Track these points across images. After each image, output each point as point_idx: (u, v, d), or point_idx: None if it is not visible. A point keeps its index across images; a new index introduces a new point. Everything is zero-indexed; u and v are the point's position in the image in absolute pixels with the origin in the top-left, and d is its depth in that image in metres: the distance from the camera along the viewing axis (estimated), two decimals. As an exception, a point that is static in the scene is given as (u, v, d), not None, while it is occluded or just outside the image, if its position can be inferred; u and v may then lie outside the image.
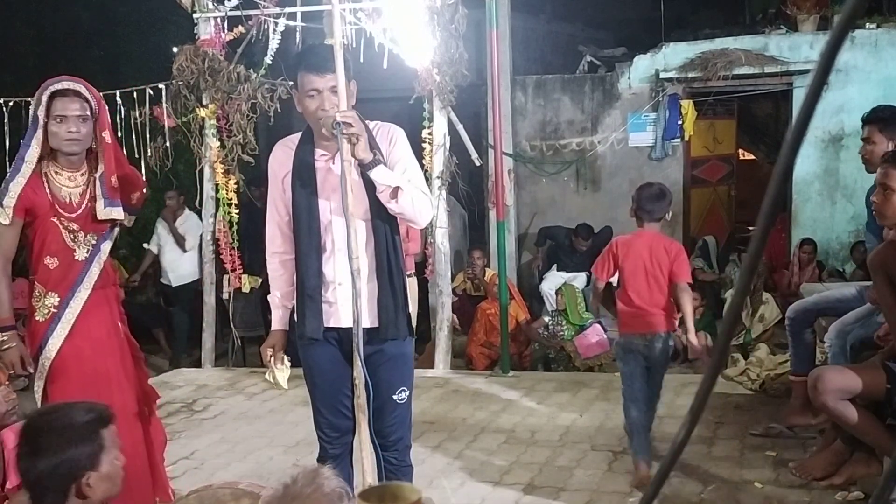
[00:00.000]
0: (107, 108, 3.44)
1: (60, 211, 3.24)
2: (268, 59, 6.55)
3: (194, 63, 6.49)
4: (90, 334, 3.32)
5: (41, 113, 3.17)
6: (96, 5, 9.37)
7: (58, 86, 3.19)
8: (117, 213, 3.36)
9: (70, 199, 3.26)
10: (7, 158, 6.84)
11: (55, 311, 3.26)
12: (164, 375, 6.71)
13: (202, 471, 4.43)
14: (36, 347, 3.25)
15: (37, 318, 3.26)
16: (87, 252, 3.30)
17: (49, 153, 3.22)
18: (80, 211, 3.28)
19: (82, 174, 3.29)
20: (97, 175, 3.31)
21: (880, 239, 3.74)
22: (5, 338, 3.20)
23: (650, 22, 10.04)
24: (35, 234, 3.25)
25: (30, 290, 3.30)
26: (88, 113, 3.22)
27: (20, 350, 3.20)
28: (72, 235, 3.26)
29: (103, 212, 3.32)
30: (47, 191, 3.22)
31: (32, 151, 3.18)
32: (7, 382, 3.11)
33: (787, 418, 4.51)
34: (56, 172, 3.24)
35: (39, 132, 3.18)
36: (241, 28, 6.57)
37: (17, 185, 3.17)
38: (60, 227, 3.25)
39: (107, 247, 3.40)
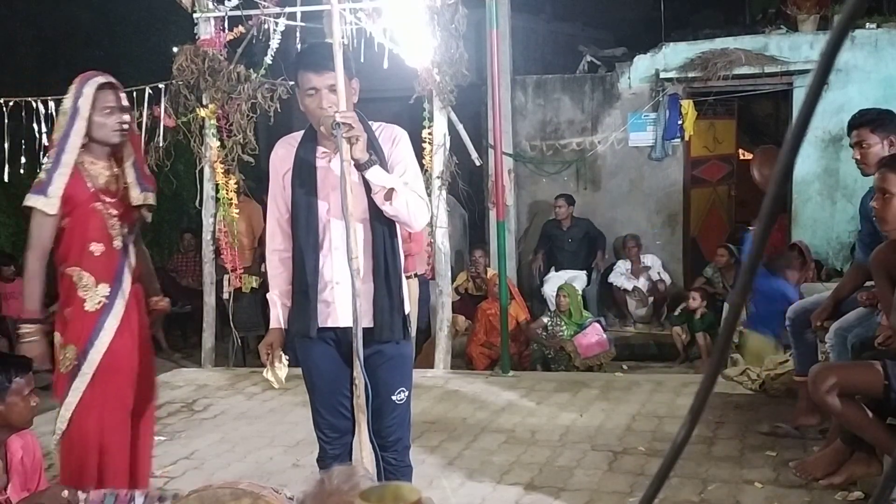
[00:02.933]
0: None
1: (103, 197, 3.23)
2: (268, 59, 6.55)
3: (194, 63, 6.49)
4: (132, 327, 3.30)
5: (85, 104, 3.15)
6: (96, 5, 9.35)
7: (101, 79, 3.21)
8: (152, 197, 3.40)
9: (108, 186, 3.27)
10: (6, 157, 6.87)
11: (106, 301, 3.20)
12: (164, 375, 6.69)
13: (202, 471, 4.43)
14: (85, 340, 3.17)
15: (87, 309, 3.17)
16: (121, 242, 3.28)
17: (83, 144, 3.21)
18: (118, 198, 3.29)
19: (112, 164, 3.31)
20: (129, 163, 3.33)
21: (867, 255, 3.75)
22: (29, 329, 3.14)
23: (650, 22, 10.02)
24: (75, 223, 3.20)
25: (66, 283, 3.22)
26: (126, 104, 3.30)
27: (41, 346, 3.14)
28: (111, 222, 3.25)
29: (139, 197, 3.33)
30: (86, 180, 3.21)
31: (73, 142, 3.16)
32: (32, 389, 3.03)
33: (795, 419, 4.50)
34: (92, 163, 3.23)
35: (81, 123, 3.15)
36: (241, 28, 6.57)
37: (61, 176, 3.13)
38: (103, 213, 3.23)
39: (133, 238, 3.39)
